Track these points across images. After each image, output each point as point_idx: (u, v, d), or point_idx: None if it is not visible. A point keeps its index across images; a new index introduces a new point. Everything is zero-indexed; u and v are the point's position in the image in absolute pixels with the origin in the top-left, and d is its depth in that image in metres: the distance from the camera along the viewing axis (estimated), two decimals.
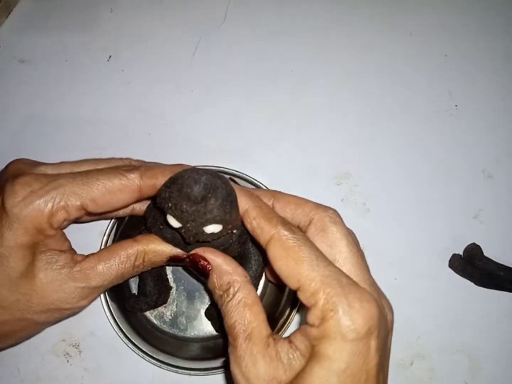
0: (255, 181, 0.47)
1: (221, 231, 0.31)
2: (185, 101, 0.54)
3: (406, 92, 0.55)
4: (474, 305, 0.50)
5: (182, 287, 0.48)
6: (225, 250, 0.36)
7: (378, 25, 0.57)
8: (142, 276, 0.44)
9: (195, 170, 0.31)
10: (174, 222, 0.30)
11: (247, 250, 0.42)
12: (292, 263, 0.29)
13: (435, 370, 0.49)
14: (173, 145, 0.48)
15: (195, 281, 0.48)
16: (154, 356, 0.44)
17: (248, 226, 0.32)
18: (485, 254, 0.50)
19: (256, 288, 0.45)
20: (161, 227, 0.35)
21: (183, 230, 0.30)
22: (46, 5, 0.56)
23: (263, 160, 0.52)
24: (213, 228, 0.30)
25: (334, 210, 0.33)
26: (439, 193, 0.53)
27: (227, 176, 0.40)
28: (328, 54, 0.56)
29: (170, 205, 0.29)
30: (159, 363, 0.44)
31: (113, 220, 0.45)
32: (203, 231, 0.30)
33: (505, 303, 0.50)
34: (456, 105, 0.55)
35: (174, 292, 0.48)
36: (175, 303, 0.47)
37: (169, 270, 0.48)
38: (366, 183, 0.53)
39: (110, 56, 0.55)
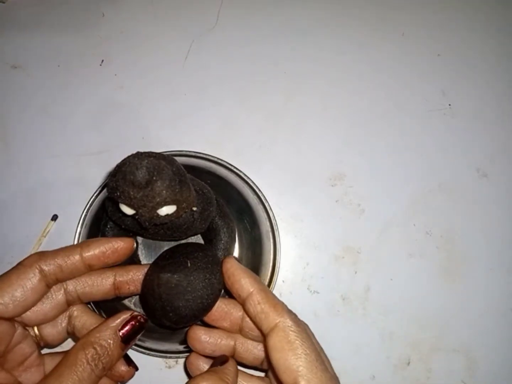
0: (251, 183, 0.48)
1: (176, 211, 0.31)
2: (179, 104, 0.54)
3: (400, 92, 0.55)
4: (472, 304, 0.50)
5: None
6: (188, 228, 0.36)
7: (370, 25, 0.57)
8: None
9: (137, 155, 0.30)
10: (127, 210, 0.30)
11: (215, 224, 0.42)
12: (292, 358, 0.28)
13: (432, 370, 0.49)
14: (167, 149, 0.48)
15: None
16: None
17: (251, 310, 0.31)
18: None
19: None
20: (120, 215, 0.35)
21: (137, 216, 0.30)
22: (38, 10, 0.55)
23: (257, 163, 0.52)
24: (166, 210, 0.30)
25: (298, 322, 0.32)
26: (434, 192, 0.53)
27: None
28: (320, 55, 0.56)
29: (118, 193, 0.29)
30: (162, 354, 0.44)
31: (84, 212, 0.47)
32: (157, 214, 0.30)
33: (502, 302, 0.50)
34: (449, 104, 0.55)
35: None
36: None
37: (142, 256, 0.47)
38: (361, 184, 0.53)
39: (102, 61, 0.55)
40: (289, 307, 0.48)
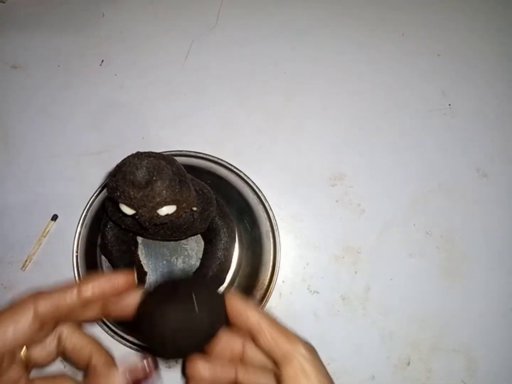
0: (251, 183, 0.48)
1: (176, 211, 0.31)
2: (178, 104, 0.54)
3: (400, 92, 0.55)
4: (471, 304, 0.50)
5: (157, 271, 0.47)
6: (187, 228, 0.36)
7: (370, 25, 0.57)
8: (112, 263, 0.44)
9: (137, 155, 0.30)
10: (127, 210, 0.30)
11: (215, 224, 0.42)
12: None
13: (432, 370, 0.49)
14: (167, 149, 0.48)
15: (170, 265, 0.47)
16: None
17: (262, 343, 0.31)
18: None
19: (230, 261, 0.45)
20: (120, 215, 0.34)
21: (137, 216, 0.30)
22: (38, 10, 0.55)
23: (257, 163, 0.52)
24: (167, 210, 0.30)
25: (312, 350, 0.31)
26: (434, 192, 0.53)
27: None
28: (320, 55, 0.56)
29: (118, 193, 0.29)
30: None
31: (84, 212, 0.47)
32: (158, 214, 0.30)
33: (502, 302, 0.50)
34: (449, 104, 0.55)
35: (149, 278, 0.47)
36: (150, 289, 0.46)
37: (142, 256, 0.47)
38: (361, 184, 0.53)
39: (102, 61, 0.55)
40: (289, 307, 0.49)
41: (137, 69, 0.55)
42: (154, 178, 0.28)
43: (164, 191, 0.28)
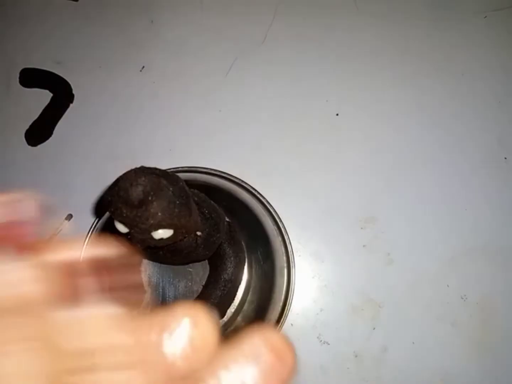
0: (273, 212, 0.44)
1: (174, 236, 0.27)
2: (211, 120, 0.52)
3: (451, 136, 0.51)
4: None
5: (158, 292, 0.44)
6: (189, 254, 0.33)
7: (427, 59, 0.53)
8: None
9: (137, 170, 0.27)
10: (120, 227, 0.27)
11: (223, 251, 0.39)
12: None
13: None
14: (190, 163, 0.46)
15: (172, 287, 0.44)
16: None
17: None
18: None
19: (235, 293, 0.41)
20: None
21: (129, 236, 0.27)
22: (86, 9, 0.55)
23: (283, 191, 0.49)
24: (162, 234, 0.27)
25: None
26: (476, 252, 0.47)
27: None
28: (368, 87, 0.52)
29: (112, 209, 0.26)
30: None
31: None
32: (151, 236, 0.27)
33: None
34: (505, 158, 0.50)
35: (148, 296, 0.44)
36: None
37: (144, 273, 0.44)
38: (394, 231, 0.48)
39: (143, 67, 0.54)
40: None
41: (176, 79, 0.53)
42: (150, 198, 0.25)
43: (159, 214, 0.25)
